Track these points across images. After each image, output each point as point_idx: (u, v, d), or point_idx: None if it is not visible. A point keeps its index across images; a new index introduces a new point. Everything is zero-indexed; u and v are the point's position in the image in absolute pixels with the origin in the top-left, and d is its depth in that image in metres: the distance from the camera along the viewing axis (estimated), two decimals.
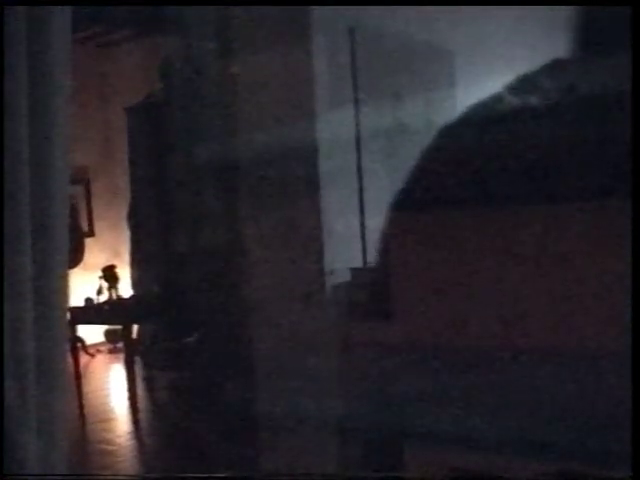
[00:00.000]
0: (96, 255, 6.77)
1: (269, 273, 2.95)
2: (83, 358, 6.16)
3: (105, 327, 6.83)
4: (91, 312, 5.75)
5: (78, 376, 5.34)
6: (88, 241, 6.99)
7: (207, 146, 3.12)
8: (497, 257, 2.32)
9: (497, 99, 2.30)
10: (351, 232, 3.28)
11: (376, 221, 2.68)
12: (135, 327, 5.88)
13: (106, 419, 5.12)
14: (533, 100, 2.33)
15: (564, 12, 2.46)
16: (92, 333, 6.73)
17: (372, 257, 3.14)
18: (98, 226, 7.34)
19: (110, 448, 4.41)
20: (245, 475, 1.53)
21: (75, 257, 6.39)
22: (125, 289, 6.16)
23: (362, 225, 3.30)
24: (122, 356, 5.74)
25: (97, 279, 5.89)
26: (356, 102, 3.24)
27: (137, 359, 5.59)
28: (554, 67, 2.31)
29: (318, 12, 2.84)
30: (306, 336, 2.89)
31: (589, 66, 2.24)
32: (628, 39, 1.56)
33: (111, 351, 6.94)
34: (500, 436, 2.23)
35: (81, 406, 5.03)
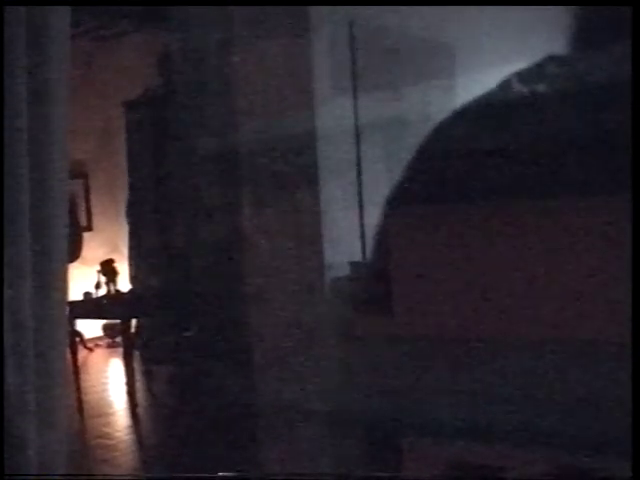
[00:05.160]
0: (94, 249, 6.76)
1: (268, 266, 2.95)
2: (81, 352, 6.16)
3: (104, 321, 6.82)
4: (89, 306, 5.75)
5: (77, 370, 5.33)
6: (86, 235, 6.98)
7: (206, 139, 3.11)
8: (499, 250, 2.32)
9: (498, 91, 2.29)
10: (351, 225, 3.27)
11: (376, 214, 2.68)
12: (134, 321, 5.87)
13: (105, 413, 5.12)
14: (533, 93, 2.32)
15: (563, 7, 2.46)
16: (90, 327, 6.73)
17: (372, 251, 3.14)
18: (96, 220, 7.34)
19: (109, 442, 4.42)
20: (245, 475, 1.52)
21: (73, 251, 6.37)
22: (124, 283, 6.16)
23: (361, 218, 3.29)
24: (121, 350, 5.73)
25: (95, 273, 5.89)
26: (355, 94, 3.24)
27: (136, 353, 5.59)
28: (553, 61, 2.31)
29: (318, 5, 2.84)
30: (306, 329, 2.88)
31: (587, 61, 2.24)
32: (626, 34, 1.56)
33: (110, 345, 6.93)
34: (501, 428, 2.23)
35: (80, 400, 5.02)
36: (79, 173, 7.02)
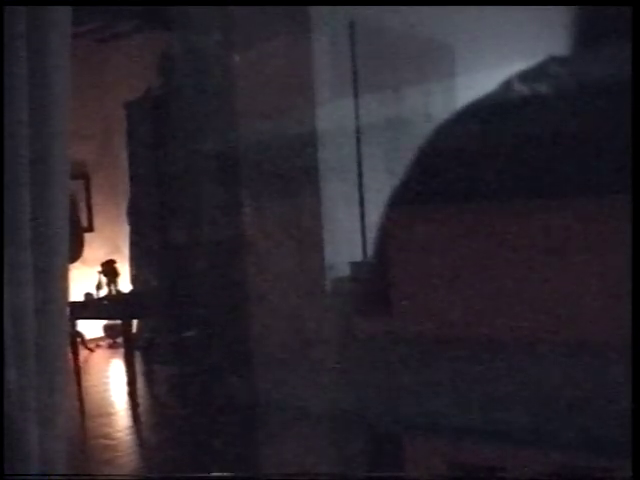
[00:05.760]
0: (95, 250, 6.76)
1: (269, 267, 2.95)
2: (82, 353, 6.16)
3: (104, 322, 6.83)
4: (90, 307, 5.76)
5: (78, 371, 5.34)
6: (87, 236, 6.98)
7: (207, 139, 3.12)
8: (500, 250, 2.32)
9: (499, 92, 2.29)
10: (352, 226, 3.28)
11: (377, 215, 2.69)
12: (135, 322, 5.88)
13: (106, 414, 5.12)
14: (534, 94, 2.32)
15: (563, 7, 2.46)
16: (91, 328, 6.73)
17: (372, 251, 3.14)
18: (97, 221, 7.35)
19: (110, 443, 4.42)
20: (245, 475, 1.52)
21: (74, 252, 6.37)
22: (125, 284, 6.16)
23: (362, 219, 3.29)
24: (122, 351, 5.74)
25: (96, 274, 5.89)
26: (356, 95, 3.24)
27: (137, 354, 5.59)
28: (554, 61, 2.31)
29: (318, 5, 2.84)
30: (307, 329, 2.89)
31: (588, 61, 2.24)
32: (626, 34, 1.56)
33: (111, 346, 6.94)
34: (501, 428, 2.23)
35: (81, 401, 5.03)
36: (80, 174, 7.03)
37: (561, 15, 2.46)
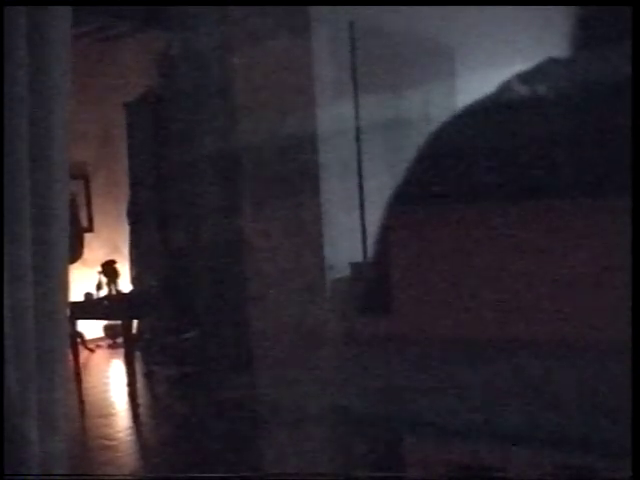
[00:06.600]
0: (95, 250, 6.77)
1: (269, 267, 2.95)
2: (83, 353, 6.17)
3: (105, 322, 6.83)
4: (91, 307, 5.75)
5: (78, 371, 5.34)
6: (87, 236, 6.99)
7: (207, 140, 3.12)
8: (499, 251, 2.32)
9: (498, 93, 2.29)
10: (352, 226, 3.28)
11: (377, 215, 2.69)
12: (135, 322, 5.88)
13: (106, 414, 5.12)
14: (533, 95, 2.32)
15: (563, 8, 2.46)
16: (92, 328, 6.73)
17: (372, 251, 3.14)
18: (97, 221, 7.35)
19: (110, 443, 4.42)
20: (245, 475, 1.52)
21: (75, 252, 6.38)
22: (125, 284, 6.16)
23: (362, 219, 3.30)
24: (122, 351, 5.74)
25: (96, 274, 5.89)
26: (356, 95, 3.24)
27: (137, 354, 5.59)
28: (553, 62, 2.31)
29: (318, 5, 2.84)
30: (307, 329, 2.89)
31: (588, 62, 2.24)
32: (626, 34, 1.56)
33: (111, 346, 6.95)
34: (501, 428, 2.23)
35: (81, 401, 5.03)
36: (80, 174, 7.03)
37: (561, 16, 2.46)
